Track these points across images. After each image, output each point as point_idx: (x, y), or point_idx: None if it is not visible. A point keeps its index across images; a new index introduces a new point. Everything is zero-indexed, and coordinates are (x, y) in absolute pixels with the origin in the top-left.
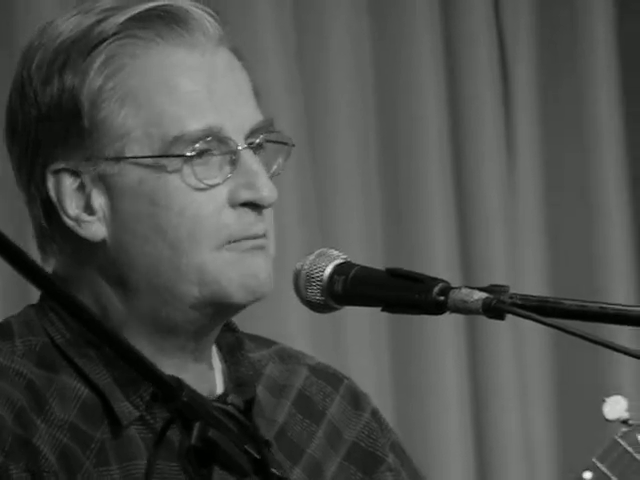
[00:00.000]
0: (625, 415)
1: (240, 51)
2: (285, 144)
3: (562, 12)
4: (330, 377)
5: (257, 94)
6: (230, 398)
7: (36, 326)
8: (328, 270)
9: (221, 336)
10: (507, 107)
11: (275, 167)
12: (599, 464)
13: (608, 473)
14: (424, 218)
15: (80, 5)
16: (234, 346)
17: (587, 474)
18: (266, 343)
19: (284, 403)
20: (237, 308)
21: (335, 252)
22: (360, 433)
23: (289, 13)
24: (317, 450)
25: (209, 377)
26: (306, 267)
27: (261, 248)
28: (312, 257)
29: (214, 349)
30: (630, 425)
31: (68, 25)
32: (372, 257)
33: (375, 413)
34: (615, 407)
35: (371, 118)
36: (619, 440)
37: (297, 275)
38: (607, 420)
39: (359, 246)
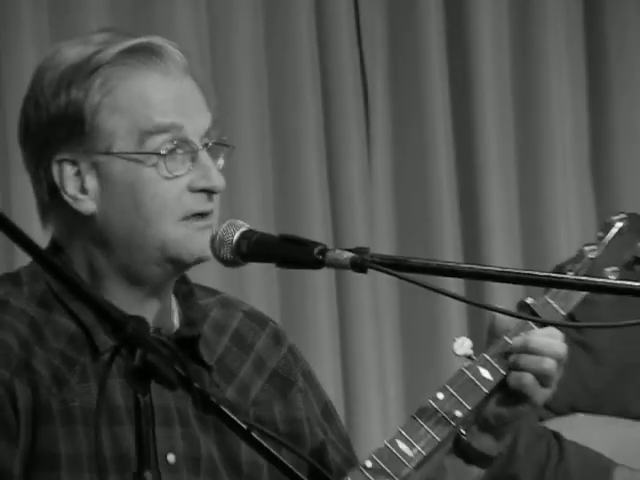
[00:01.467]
0: (470, 352)
1: (199, 78)
2: (227, 146)
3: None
4: (259, 320)
5: (210, 107)
6: (174, 330)
7: (39, 277)
8: (236, 236)
9: (177, 287)
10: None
11: (218, 163)
12: (449, 387)
13: (455, 394)
14: (304, 195)
15: (82, 37)
16: (187, 294)
17: (439, 394)
18: (212, 292)
19: (223, 339)
20: (187, 267)
21: (241, 222)
22: (279, 363)
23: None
24: (246, 375)
25: (168, 317)
26: (220, 233)
27: (209, 227)
28: (224, 226)
29: (172, 296)
30: (472, 359)
31: (73, 53)
32: (266, 226)
33: (291, 348)
34: (462, 345)
35: (266, 113)
36: (465, 370)
37: (213, 239)
38: (456, 355)
39: (257, 218)
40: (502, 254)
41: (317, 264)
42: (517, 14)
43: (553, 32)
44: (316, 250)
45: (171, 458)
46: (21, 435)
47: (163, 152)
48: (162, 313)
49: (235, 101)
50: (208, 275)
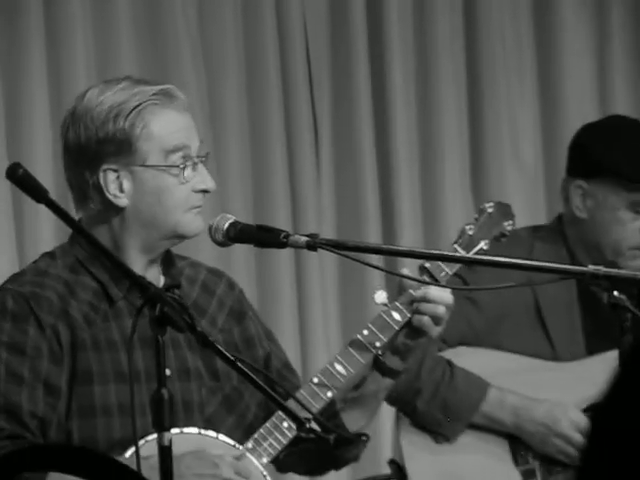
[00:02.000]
0: (385, 301)
1: (194, 113)
2: (207, 154)
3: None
4: (218, 274)
5: (198, 133)
6: (173, 290)
7: (68, 252)
8: (226, 225)
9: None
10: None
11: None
12: (371, 326)
13: (375, 330)
14: (272, 195)
15: (110, 81)
16: (168, 259)
17: (365, 331)
18: (184, 258)
19: (195, 288)
20: (187, 239)
21: (230, 215)
22: (233, 301)
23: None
24: (213, 311)
25: (158, 276)
26: (215, 223)
27: (200, 213)
28: (218, 218)
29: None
30: (387, 306)
31: (117, 94)
32: (246, 217)
33: (241, 291)
34: (380, 296)
35: (246, 126)
36: (382, 314)
37: (210, 227)
38: (375, 303)
39: (239, 212)
40: (409, 236)
41: (282, 245)
42: (419, 26)
43: (442, 39)
44: (282, 235)
45: (167, 372)
46: (65, 361)
47: (182, 165)
48: (155, 273)
49: (222, 116)
50: (205, 253)
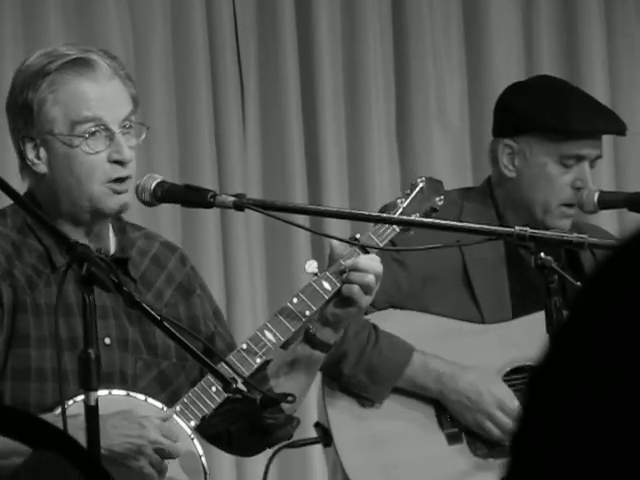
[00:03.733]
0: (316, 270)
1: (127, 77)
2: (142, 125)
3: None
4: (171, 247)
5: (134, 98)
6: (111, 253)
7: (18, 212)
8: (153, 184)
9: (114, 223)
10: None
11: (142, 137)
12: (301, 294)
13: (305, 299)
14: (199, 155)
15: (43, 49)
16: (121, 229)
17: (294, 299)
18: (138, 228)
19: (145, 260)
20: (107, 217)
21: (157, 175)
22: (183, 277)
23: None
24: (160, 285)
25: (107, 244)
26: (142, 183)
27: (125, 191)
28: (145, 178)
29: (110, 230)
30: (317, 275)
31: (35, 62)
32: (173, 177)
33: (192, 267)
34: (311, 265)
35: (172, 97)
36: (312, 283)
37: (137, 187)
38: (306, 272)
39: (166, 172)
40: (336, 198)
41: (209, 205)
42: (347, 14)
43: (372, 23)
44: (209, 195)
45: (107, 341)
46: (4, 321)
47: (86, 135)
48: (100, 241)
49: (147, 77)
50: (131, 213)
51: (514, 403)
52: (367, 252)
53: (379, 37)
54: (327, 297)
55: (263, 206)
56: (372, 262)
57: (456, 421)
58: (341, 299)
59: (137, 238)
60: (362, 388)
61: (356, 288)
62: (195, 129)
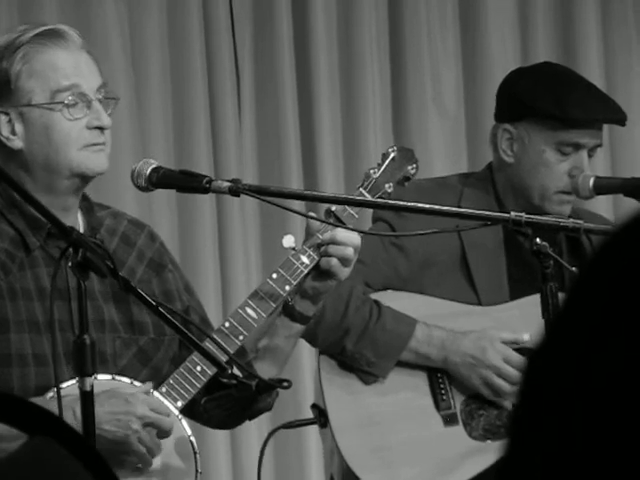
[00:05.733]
0: (293, 245)
1: (92, 53)
2: (114, 99)
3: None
4: (139, 225)
5: (101, 73)
6: (95, 236)
7: None
8: (148, 170)
9: (81, 204)
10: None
11: (109, 111)
12: (280, 270)
13: (284, 274)
14: (195, 141)
15: (14, 27)
16: (89, 209)
17: (274, 275)
18: (105, 207)
19: (115, 239)
20: (89, 179)
21: (152, 160)
22: (154, 253)
23: None
24: (132, 262)
25: (76, 223)
26: (137, 168)
27: (102, 150)
28: (140, 163)
29: (78, 211)
30: (295, 250)
31: (4, 38)
32: (168, 163)
33: (162, 243)
34: (289, 240)
35: (168, 80)
36: (291, 258)
37: (132, 172)
38: (284, 247)
39: (162, 158)
40: (331, 183)
41: (205, 190)
42: (343, 15)
43: (367, 8)
44: (204, 180)
45: None
46: None
47: (66, 102)
48: (71, 220)
49: (144, 61)
50: (126, 199)
51: (518, 354)
52: (344, 224)
53: (375, 23)
54: (306, 271)
55: (259, 191)
56: (350, 234)
57: (453, 401)
58: (320, 272)
59: (104, 217)
60: (366, 363)
61: (334, 261)
62: (191, 115)
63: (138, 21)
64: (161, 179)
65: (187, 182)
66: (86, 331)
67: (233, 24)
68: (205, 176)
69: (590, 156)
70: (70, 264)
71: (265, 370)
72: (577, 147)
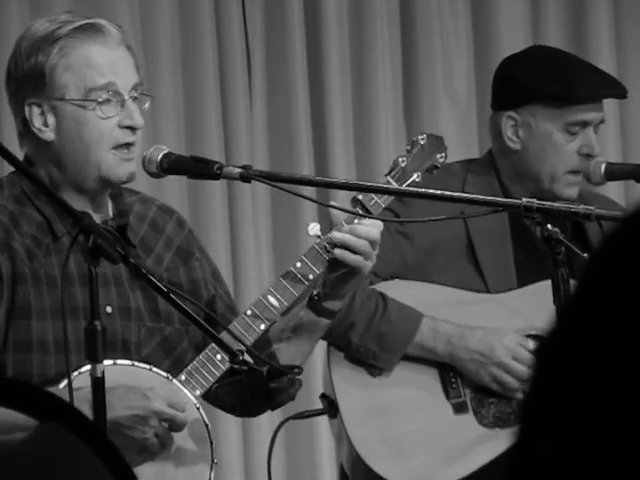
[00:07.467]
0: (318, 233)
1: (131, 47)
2: (149, 96)
3: None
4: (168, 211)
5: (138, 69)
6: (111, 222)
7: (15, 182)
8: (160, 156)
9: (111, 191)
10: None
11: (144, 108)
12: (304, 258)
13: (308, 262)
14: (206, 128)
15: (49, 17)
16: (118, 195)
17: (298, 263)
18: (135, 193)
19: (143, 225)
20: (114, 186)
21: (164, 147)
22: (182, 241)
23: None
24: (159, 250)
25: (106, 211)
26: (148, 154)
27: (132, 159)
28: (152, 149)
29: (108, 197)
30: (320, 238)
31: (42, 28)
32: (179, 149)
33: (190, 230)
34: (313, 228)
35: (179, 71)
36: (315, 246)
37: (144, 159)
38: (309, 235)
39: (173, 144)
40: (342, 170)
41: (216, 176)
42: (355, 3)
43: (379, 16)
44: (215, 166)
45: (109, 309)
46: (4, 294)
47: (100, 100)
48: (102, 209)
49: (155, 48)
50: (138, 184)
51: (527, 351)
52: (371, 213)
53: (386, 11)
54: (328, 259)
55: (269, 177)
56: (370, 228)
57: (462, 389)
58: (342, 266)
59: (134, 203)
60: (372, 356)
61: (349, 254)
62: (202, 101)
63: (150, 9)
64: (172, 165)
65: (198, 168)
66: (98, 318)
67: (244, 12)
68: (216, 162)
69: (595, 132)
70: (83, 250)
71: (289, 362)
72: (584, 125)
